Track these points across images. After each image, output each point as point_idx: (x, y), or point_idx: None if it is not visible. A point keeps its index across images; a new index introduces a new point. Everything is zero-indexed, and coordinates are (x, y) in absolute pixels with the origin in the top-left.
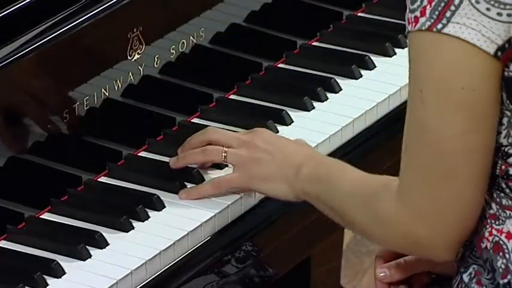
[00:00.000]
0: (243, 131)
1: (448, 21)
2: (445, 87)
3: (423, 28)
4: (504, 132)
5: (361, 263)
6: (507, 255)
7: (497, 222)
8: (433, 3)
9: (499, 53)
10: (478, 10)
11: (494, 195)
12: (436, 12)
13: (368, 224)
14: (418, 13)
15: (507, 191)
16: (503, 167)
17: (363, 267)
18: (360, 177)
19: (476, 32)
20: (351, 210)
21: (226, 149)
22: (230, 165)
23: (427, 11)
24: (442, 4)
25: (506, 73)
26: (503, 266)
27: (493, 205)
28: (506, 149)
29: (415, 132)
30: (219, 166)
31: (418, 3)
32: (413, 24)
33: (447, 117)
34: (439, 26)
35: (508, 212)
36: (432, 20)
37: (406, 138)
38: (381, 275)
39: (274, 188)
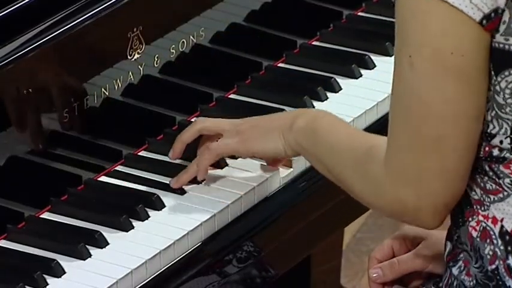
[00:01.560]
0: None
1: None
2: (434, 52)
3: None
4: (488, 105)
5: (361, 263)
6: (494, 241)
7: (482, 208)
8: None
9: (484, 22)
10: None
11: (478, 180)
12: None
13: (358, 184)
14: None
15: (490, 173)
16: (486, 148)
17: (363, 267)
18: (352, 135)
19: None
20: (342, 167)
21: (215, 143)
22: (231, 165)
23: None
24: None
25: (492, 44)
26: (490, 253)
27: (477, 190)
28: (489, 130)
29: (403, 97)
30: (218, 165)
31: None
32: None
33: (436, 82)
34: None
35: (492, 196)
36: None
37: (393, 103)
38: (374, 275)
39: (268, 143)
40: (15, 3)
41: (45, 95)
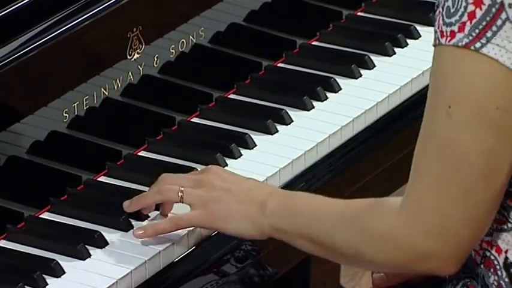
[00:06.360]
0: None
1: (488, 41)
2: (478, 106)
3: (460, 44)
4: None
5: None
6: (499, 272)
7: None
8: (474, 21)
9: None
10: None
11: None
12: (476, 31)
13: (359, 245)
14: (455, 28)
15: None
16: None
17: None
18: (339, 201)
19: None
20: (335, 234)
21: (183, 189)
22: (231, 165)
23: (466, 28)
24: (484, 23)
25: None
26: (495, 283)
27: None
28: None
29: (435, 145)
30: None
31: (457, 18)
32: (449, 38)
33: (475, 134)
34: (478, 45)
35: (495, 224)
36: (471, 38)
37: (422, 149)
38: (378, 280)
39: (237, 226)
40: (15, 3)
41: (45, 95)
